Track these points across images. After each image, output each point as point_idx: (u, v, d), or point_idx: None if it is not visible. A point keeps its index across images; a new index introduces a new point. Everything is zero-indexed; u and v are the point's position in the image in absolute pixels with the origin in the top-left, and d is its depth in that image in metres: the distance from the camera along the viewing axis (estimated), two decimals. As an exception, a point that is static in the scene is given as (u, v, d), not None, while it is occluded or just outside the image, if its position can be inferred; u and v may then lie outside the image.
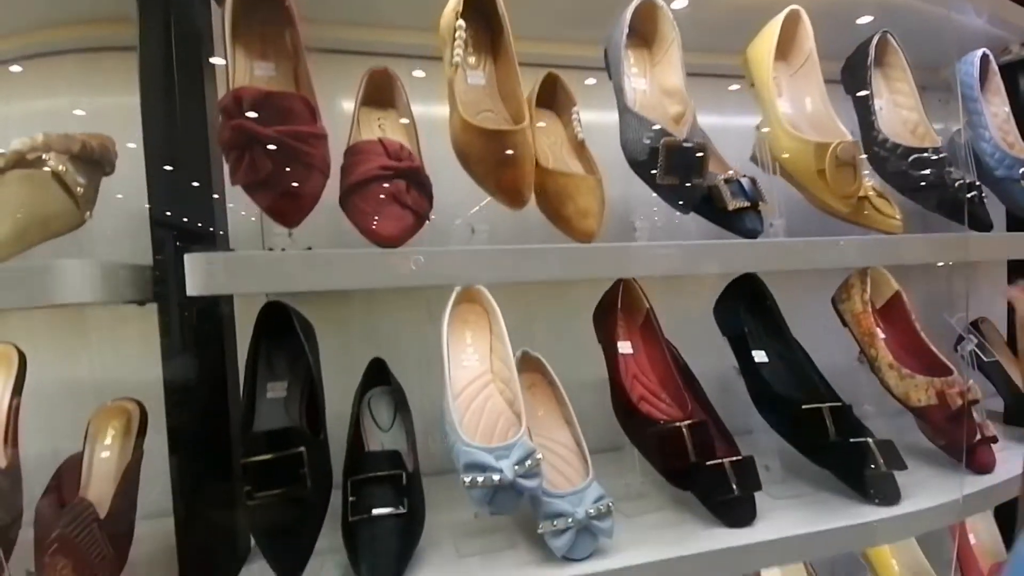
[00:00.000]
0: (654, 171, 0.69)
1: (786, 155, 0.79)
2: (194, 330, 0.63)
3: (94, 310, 0.83)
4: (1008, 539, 0.97)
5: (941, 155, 0.83)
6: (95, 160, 0.64)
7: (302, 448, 0.58)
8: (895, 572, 0.86)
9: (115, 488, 0.63)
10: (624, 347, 0.78)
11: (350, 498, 0.63)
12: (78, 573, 0.58)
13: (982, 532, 0.98)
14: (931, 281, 1.12)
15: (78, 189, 0.59)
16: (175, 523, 0.63)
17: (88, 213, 0.61)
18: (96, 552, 0.58)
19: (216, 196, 0.64)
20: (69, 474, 0.66)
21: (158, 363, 0.66)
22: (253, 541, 0.69)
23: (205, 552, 0.64)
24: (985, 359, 1.03)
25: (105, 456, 0.67)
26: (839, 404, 0.74)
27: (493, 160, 0.62)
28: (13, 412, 0.65)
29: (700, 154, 0.69)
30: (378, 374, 0.79)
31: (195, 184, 0.62)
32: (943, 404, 0.78)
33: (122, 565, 0.62)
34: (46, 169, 0.57)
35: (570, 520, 0.63)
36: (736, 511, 0.71)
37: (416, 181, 0.64)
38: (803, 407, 0.73)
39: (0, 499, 0.59)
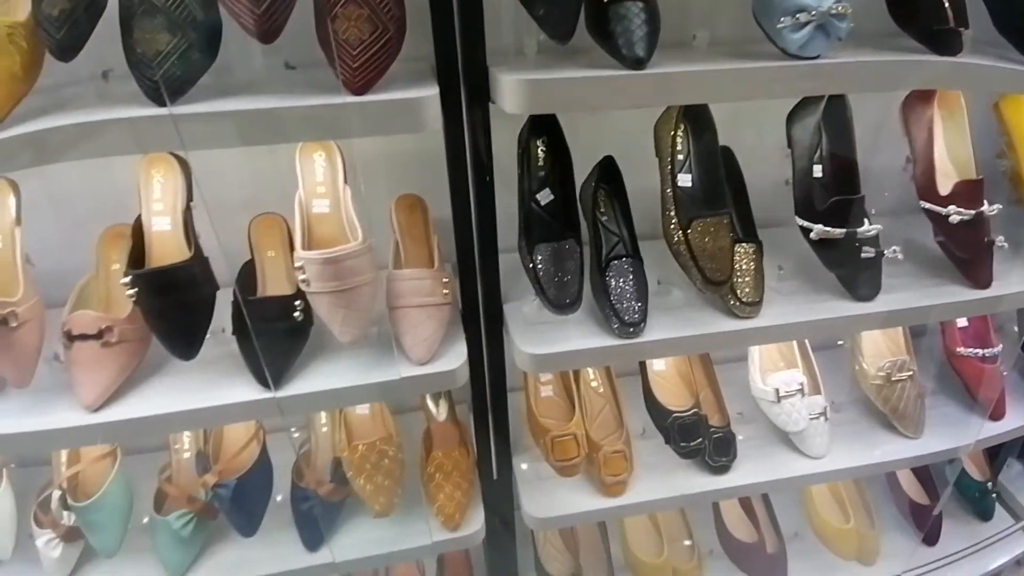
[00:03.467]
0: None
1: None
2: None
3: None
4: None
5: None
6: None
7: None
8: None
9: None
10: None
11: None
12: (372, 25, 0.61)
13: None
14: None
15: None
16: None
17: None
18: (386, 8, 0.63)
19: None
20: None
21: None
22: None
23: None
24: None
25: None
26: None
27: None
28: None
29: None
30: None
31: None
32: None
33: (402, 38, 0.68)
34: None
35: (813, 12, 0.65)
36: (947, 42, 0.74)
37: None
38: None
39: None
